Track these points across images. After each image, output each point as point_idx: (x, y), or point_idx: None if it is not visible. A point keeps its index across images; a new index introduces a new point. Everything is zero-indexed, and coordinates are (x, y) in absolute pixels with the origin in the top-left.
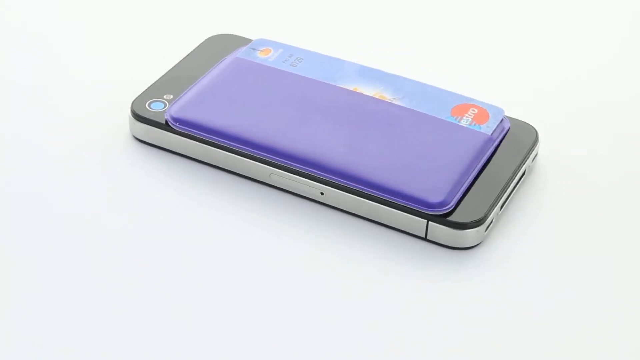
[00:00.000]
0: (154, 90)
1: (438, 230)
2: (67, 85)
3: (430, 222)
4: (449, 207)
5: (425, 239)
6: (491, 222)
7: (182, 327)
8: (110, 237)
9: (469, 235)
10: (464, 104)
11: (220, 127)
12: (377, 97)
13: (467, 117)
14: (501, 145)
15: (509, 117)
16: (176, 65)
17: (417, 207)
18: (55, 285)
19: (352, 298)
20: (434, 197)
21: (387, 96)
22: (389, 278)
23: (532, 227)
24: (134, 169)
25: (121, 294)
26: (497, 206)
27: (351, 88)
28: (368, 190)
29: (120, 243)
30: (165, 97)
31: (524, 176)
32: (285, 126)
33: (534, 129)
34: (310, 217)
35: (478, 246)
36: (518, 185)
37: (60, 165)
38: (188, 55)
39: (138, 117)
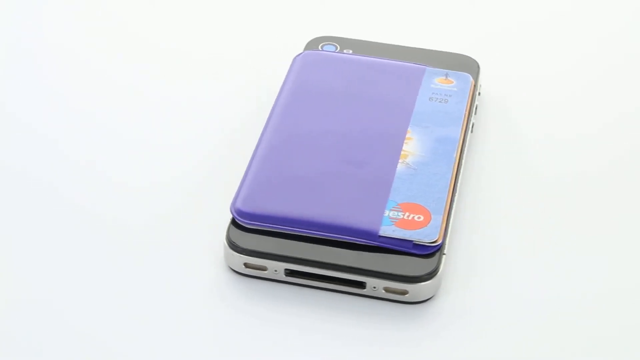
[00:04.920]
0: (348, 43)
1: (224, 232)
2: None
3: (231, 222)
4: (243, 221)
5: None
6: (259, 269)
7: None
8: None
9: (226, 254)
10: (425, 210)
11: (293, 84)
12: (403, 152)
13: (401, 214)
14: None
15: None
16: (397, 46)
17: (233, 202)
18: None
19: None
20: (241, 204)
21: (409, 160)
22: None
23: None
24: None
25: None
26: (278, 265)
27: (408, 134)
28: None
29: None
30: (345, 50)
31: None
32: (308, 116)
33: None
34: None
35: (243, 277)
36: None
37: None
38: (422, 49)
39: None
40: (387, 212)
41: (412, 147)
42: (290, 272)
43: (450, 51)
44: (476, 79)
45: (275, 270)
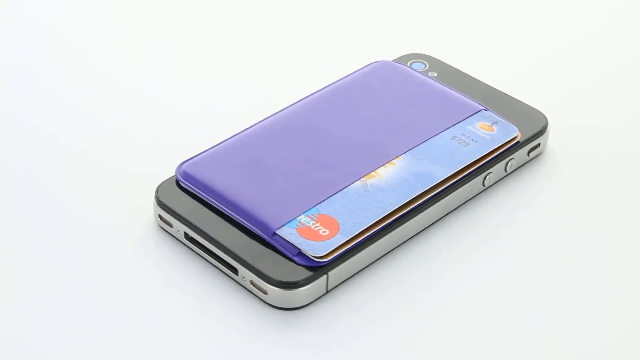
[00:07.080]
0: (437, 66)
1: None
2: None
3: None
4: (178, 178)
5: None
6: (168, 224)
7: None
8: None
9: (159, 216)
10: (337, 227)
11: (340, 83)
12: (372, 172)
13: (311, 223)
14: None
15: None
16: (481, 82)
17: (182, 161)
18: None
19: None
20: (187, 164)
21: (370, 181)
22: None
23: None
24: None
25: None
26: (179, 225)
27: (397, 159)
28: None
29: None
30: (431, 75)
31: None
32: (320, 113)
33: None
34: None
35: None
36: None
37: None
38: (501, 92)
39: None
40: (301, 217)
41: (386, 172)
42: (188, 237)
43: (530, 104)
44: (535, 135)
45: (178, 230)
